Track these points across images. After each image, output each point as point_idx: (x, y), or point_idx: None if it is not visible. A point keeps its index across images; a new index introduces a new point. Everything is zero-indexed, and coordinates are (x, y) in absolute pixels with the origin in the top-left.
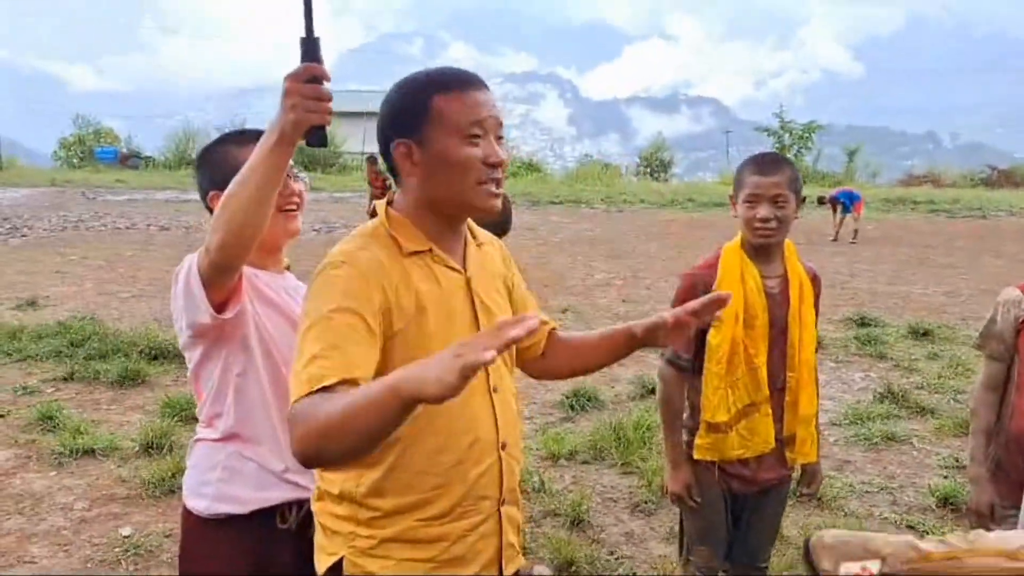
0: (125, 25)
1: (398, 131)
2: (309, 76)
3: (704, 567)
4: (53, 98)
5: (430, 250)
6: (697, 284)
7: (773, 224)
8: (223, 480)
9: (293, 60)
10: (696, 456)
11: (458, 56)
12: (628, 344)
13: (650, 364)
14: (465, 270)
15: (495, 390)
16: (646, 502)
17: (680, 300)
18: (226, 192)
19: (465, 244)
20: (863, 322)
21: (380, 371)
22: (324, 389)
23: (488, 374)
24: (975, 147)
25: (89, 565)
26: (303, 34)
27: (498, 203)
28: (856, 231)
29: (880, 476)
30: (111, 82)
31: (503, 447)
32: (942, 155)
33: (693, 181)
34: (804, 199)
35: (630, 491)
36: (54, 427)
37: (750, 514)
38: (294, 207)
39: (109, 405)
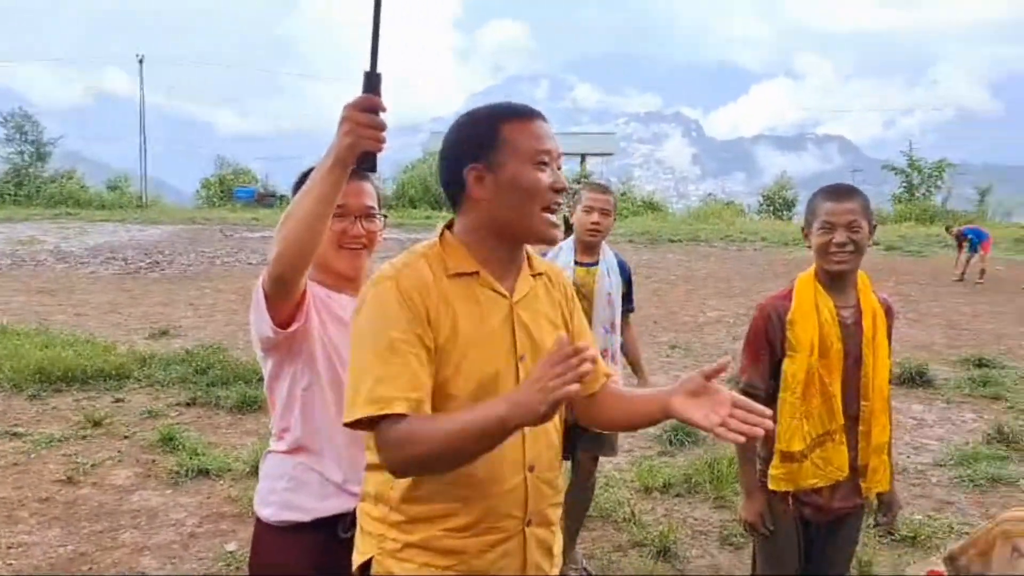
0: (268, 71)
1: (470, 157)
2: (366, 106)
3: None
4: (199, 140)
5: (477, 273)
6: (771, 314)
7: (849, 248)
8: (289, 489)
9: (427, 100)
10: (771, 487)
11: (583, 97)
12: (660, 415)
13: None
14: (511, 295)
15: None
16: (737, 535)
17: (755, 330)
18: (286, 210)
19: (518, 270)
20: (981, 363)
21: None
22: (393, 415)
23: None
24: None
25: None
26: (367, 69)
27: (557, 233)
28: (983, 271)
29: (982, 518)
30: (253, 125)
31: (531, 469)
32: None
33: None
34: (875, 227)
35: (721, 524)
36: (173, 448)
37: (824, 544)
38: (357, 246)
39: (227, 429)
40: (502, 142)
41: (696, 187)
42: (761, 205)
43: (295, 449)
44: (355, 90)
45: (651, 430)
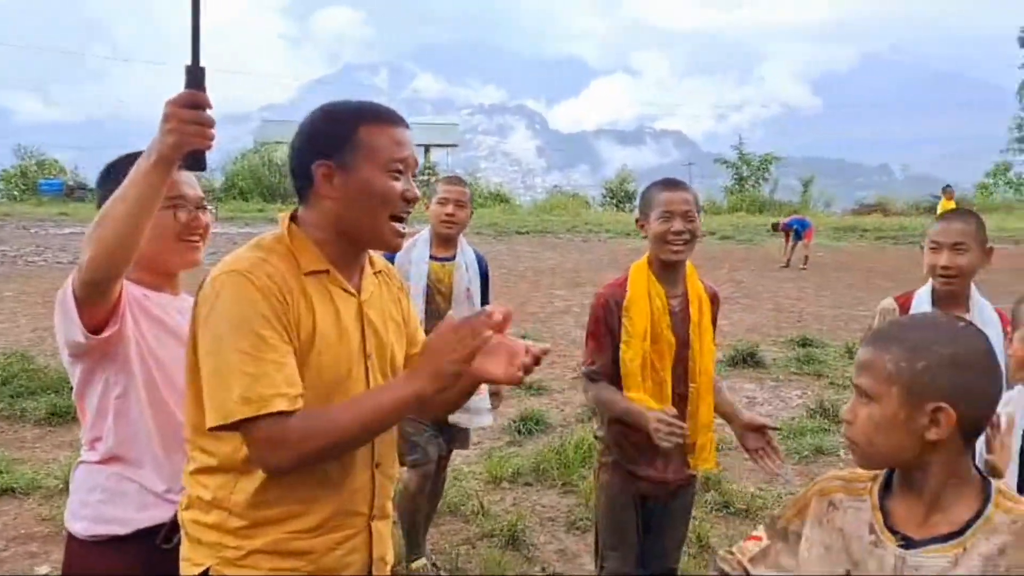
0: (75, 53)
1: (320, 152)
2: (190, 102)
3: (616, 573)
4: None
5: (327, 271)
6: (608, 302)
7: (686, 236)
8: (103, 502)
9: (257, 88)
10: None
11: (425, 87)
12: (469, 384)
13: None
14: (359, 294)
15: None
16: (582, 519)
17: (595, 317)
18: (101, 210)
19: (362, 269)
20: (804, 343)
21: None
22: (276, 413)
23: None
24: (925, 179)
25: None
26: (188, 63)
27: (401, 242)
28: (807, 257)
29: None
30: (60, 112)
31: (377, 466)
32: (894, 186)
33: None
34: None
35: (568, 510)
36: None
37: (661, 516)
38: (196, 239)
39: (35, 443)
40: (358, 143)
41: (542, 179)
42: (604, 197)
43: (108, 459)
44: (175, 73)
45: (500, 421)
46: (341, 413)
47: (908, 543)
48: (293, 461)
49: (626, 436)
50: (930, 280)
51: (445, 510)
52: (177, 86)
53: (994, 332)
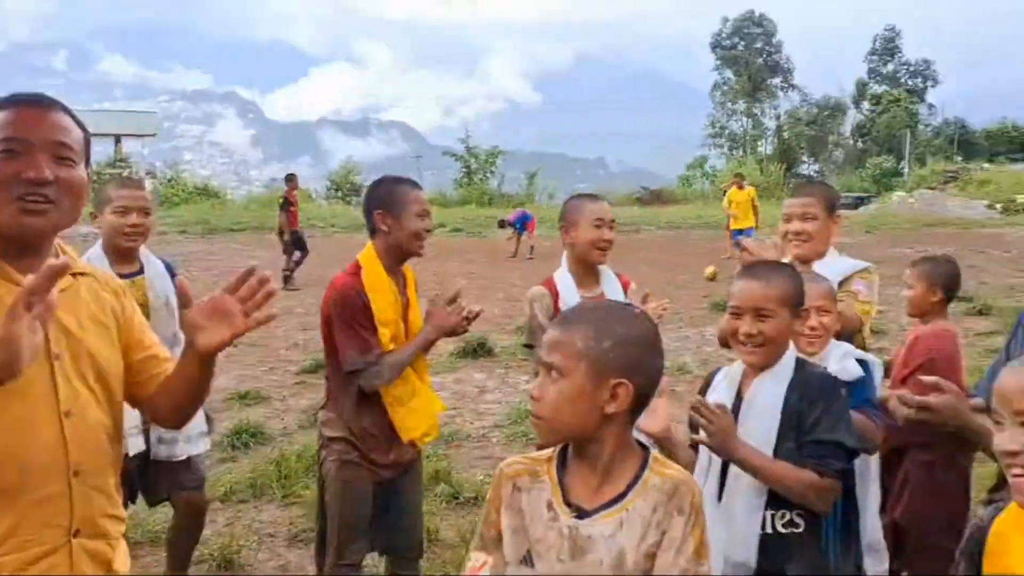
0: None
1: None
2: None
3: (355, 562)
4: None
5: None
6: (352, 292)
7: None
8: None
9: None
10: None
11: (114, 70)
12: (196, 363)
13: (321, 390)
14: None
15: (67, 414)
16: (306, 531)
17: (350, 309)
18: None
19: None
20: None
21: None
22: None
23: (58, 398)
24: (637, 171)
25: None
26: None
27: (33, 221)
28: (532, 247)
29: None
30: None
31: (75, 474)
32: (610, 178)
33: None
34: None
35: (290, 522)
36: None
37: (395, 498)
38: None
39: None
40: None
41: (259, 171)
42: (329, 190)
43: None
44: None
45: (212, 437)
46: None
47: (582, 513)
48: None
49: (369, 430)
50: (564, 262)
51: (145, 540)
52: None
53: (617, 292)
